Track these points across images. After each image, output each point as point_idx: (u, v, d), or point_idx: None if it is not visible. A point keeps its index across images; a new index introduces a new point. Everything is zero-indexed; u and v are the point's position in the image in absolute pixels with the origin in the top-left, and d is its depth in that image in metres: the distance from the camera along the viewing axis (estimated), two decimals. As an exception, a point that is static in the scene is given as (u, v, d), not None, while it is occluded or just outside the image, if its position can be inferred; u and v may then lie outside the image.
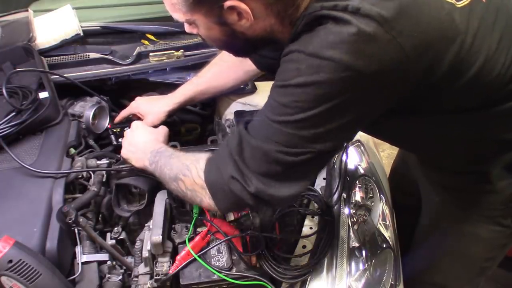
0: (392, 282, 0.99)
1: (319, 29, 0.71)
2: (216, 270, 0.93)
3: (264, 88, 1.52)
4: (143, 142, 1.13)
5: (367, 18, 0.68)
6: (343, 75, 0.69)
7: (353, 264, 0.99)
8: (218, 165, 0.83)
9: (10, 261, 0.86)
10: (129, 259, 1.07)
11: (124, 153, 1.14)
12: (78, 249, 1.02)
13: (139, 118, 1.38)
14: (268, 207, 0.91)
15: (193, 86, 1.36)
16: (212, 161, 0.86)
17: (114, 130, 1.37)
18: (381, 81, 0.71)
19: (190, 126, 1.56)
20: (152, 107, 1.35)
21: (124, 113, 1.40)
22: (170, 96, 1.37)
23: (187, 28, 0.90)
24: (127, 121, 1.41)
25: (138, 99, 1.41)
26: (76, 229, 1.04)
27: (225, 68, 1.33)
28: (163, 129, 1.23)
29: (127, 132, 1.20)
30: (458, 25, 0.75)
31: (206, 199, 0.86)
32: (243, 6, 0.77)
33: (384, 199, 1.18)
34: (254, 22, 0.80)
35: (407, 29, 0.69)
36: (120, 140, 1.37)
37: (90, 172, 1.17)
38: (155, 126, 1.36)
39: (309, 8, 0.74)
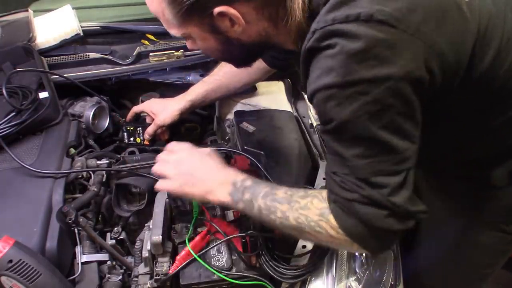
0: (392, 282, 0.99)
1: (335, 53, 0.68)
2: (216, 270, 0.93)
3: (264, 89, 1.52)
4: (207, 168, 0.93)
5: (381, 24, 0.66)
6: (382, 89, 0.67)
7: (353, 264, 0.98)
8: (350, 214, 0.75)
9: (10, 261, 0.86)
10: (129, 259, 1.07)
11: (176, 185, 0.92)
12: (78, 249, 1.02)
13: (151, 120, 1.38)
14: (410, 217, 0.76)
15: (205, 84, 1.36)
16: (339, 210, 0.77)
17: (128, 128, 1.37)
18: (417, 79, 0.69)
19: (190, 126, 1.56)
20: (164, 106, 1.35)
21: (135, 109, 1.40)
22: (182, 95, 1.37)
23: (189, 45, 0.90)
24: (140, 120, 1.40)
25: (152, 99, 1.41)
26: (76, 229, 1.04)
27: None
28: (212, 151, 1.00)
29: (166, 157, 0.97)
30: (468, 16, 0.74)
31: (354, 248, 0.80)
32: (232, 11, 0.76)
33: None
34: (247, 27, 0.80)
35: (423, 24, 0.68)
36: (131, 139, 1.37)
37: (90, 172, 1.17)
38: (167, 126, 1.36)
39: (320, 20, 0.71)
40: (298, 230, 0.82)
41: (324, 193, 0.80)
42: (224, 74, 1.35)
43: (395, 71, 0.67)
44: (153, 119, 1.36)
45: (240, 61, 0.99)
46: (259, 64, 1.26)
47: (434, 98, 0.75)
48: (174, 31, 0.85)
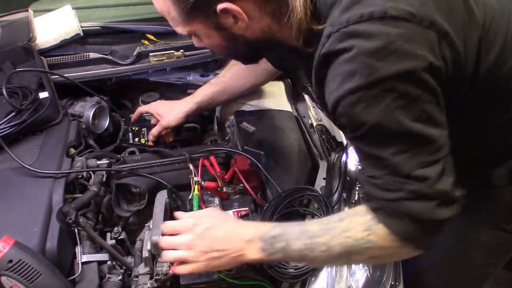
0: (392, 282, 0.99)
1: (354, 55, 0.68)
2: (216, 270, 0.93)
3: (264, 89, 1.52)
4: (225, 233, 0.86)
5: (396, 20, 0.66)
6: (407, 82, 0.67)
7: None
8: (399, 214, 0.74)
9: (10, 261, 0.86)
10: (129, 259, 1.07)
11: (202, 265, 0.85)
12: (78, 249, 1.02)
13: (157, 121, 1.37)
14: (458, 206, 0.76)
15: (212, 86, 1.35)
16: (385, 216, 0.76)
17: (133, 128, 1.36)
18: (437, 69, 0.69)
19: (190, 126, 1.56)
20: (170, 107, 1.34)
21: (141, 109, 1.40)
22: (189, 97, 1.37)
23: (195, 42, 0.90)
24: (145, 121, 1.40)
25: (158, 101, 1.41)
26: (76, 229, 1.04)
27: (244, 68, 1.32)
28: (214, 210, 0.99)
29: (173, 240, 0.88)
30: (475, 10, 0.75)
31: (407, 252, 0.79)
32: (234, 7, 0.77)
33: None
34: (250, 23, 0.80)
35: (435, 16, 0.69)
36: (136, 139, 1.36)
37: (90, 172, 1.17)
38: (172, 128, 1.35)
39: (334, 23, 0.71)
40: (347, 255, 0.79)
41: (362, 207, 0.79)
42: (231, 76, 1.34)
43: (418, 64, 0.67)
44: (158, 121, 1.35)
45: (246, 58, 0.99)
46: (266, 66, 1.26)
47: (445, 92, 0.74)
48: (180, 29, 0.85)
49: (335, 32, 0.70)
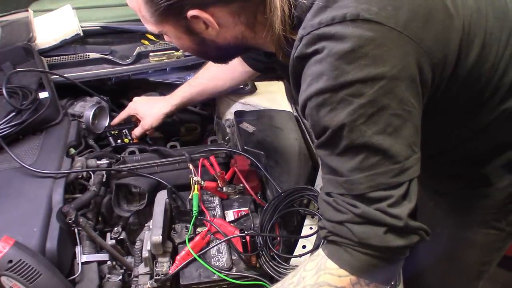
0: (392, 282, 0.99)
1: (324, 56, 0.66)
2: (216, 270, 0.93)
3: (264, 89, 1.52)
4: None
5: (368, 22, 0.65)
6: (375, 89, 0.64)
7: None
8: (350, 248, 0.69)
9: (10, 261, 0.86)
10: (129, 259, 1.07)
11: None
12: (78, 249, 1.02)
13: (137, 120, 1.39)
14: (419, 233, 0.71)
15: (191, 88, 1.37)
16: (334, 248, 0.71)
17: (112, 132, 1.37)
18: (409, 77, 0.67)
19: (190, 126, 1.56)
20: (150, 109, 1.37)
21: (122, 115, 1.41)
22: (167, 98, 1.39)
23: (166, 39, 0.91)
24: (125, 123, 1.41)
25: (136, 100, 1.42)
26: (76, 229, 1.04)
27: (222, 69, 1.32)
28: None
29: None
30: (453, 12, 0.73)
31: None
32: (205, 15, 0.77)
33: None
34: (221, 30, 0.80)
35: (410, 21, 0.67)
36: (118, 141, 1.37)
37: (90, 172, 1.17)
38: (154, 128, 1.37)
39: (306, 26, 0.70)
40: None
41: (316, 252, 0.76)
42: (210, 77, 1.36)
43: (388, 70, 0.65)
44: (138, 119, 1.38)
45: (216, 60, 0.99)
46: (244, 68, 1.26)
47: (426, 97, 0.73)
48: (150, 28, 0.85)
49: (306, 34, 0.69)
